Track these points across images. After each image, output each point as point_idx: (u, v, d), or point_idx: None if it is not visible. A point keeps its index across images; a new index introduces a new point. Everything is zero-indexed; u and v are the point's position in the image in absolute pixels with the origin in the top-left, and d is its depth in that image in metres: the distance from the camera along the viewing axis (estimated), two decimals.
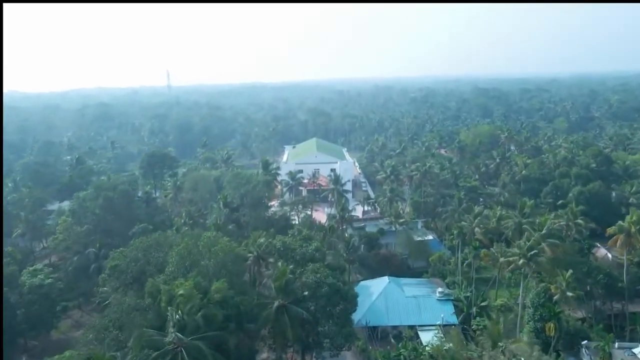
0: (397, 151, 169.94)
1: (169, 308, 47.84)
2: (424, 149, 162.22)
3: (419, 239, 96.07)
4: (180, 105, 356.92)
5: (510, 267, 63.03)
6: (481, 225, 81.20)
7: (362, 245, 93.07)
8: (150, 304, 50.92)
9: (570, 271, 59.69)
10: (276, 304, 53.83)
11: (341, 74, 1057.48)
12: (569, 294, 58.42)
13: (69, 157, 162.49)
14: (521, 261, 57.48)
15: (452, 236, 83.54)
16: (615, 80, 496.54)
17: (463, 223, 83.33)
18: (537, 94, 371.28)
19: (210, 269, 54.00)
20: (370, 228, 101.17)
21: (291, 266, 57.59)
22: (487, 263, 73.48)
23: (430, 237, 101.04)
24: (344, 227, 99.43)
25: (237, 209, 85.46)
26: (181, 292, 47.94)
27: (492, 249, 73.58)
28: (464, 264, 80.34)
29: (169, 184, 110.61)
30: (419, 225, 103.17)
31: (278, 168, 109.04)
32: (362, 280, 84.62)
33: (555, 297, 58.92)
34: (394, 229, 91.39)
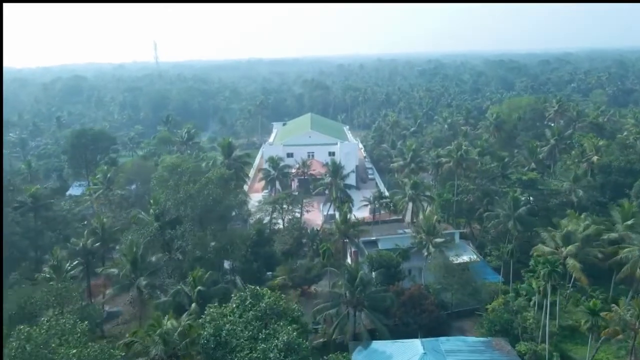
0: (412, 129, 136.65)
1: None
2: (446, 126, 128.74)
3: (459, 260, 63.45)
4: (163, 78, 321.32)
5: None
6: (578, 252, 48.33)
7: (374, 273, 60.79)
8: None
9: None
10: None
11: (341, 50, 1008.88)
12: None
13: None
14: None
15: (531, 274, 50.46)
16: (635, 54, 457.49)
17: (544, 247, 50.48)
18: (559, 65, 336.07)
19: None
20: (386, 243, 68.62)
21: None
22: (614, 337, 40.81)
23: (473, 256, 68.57)
24: (346, 241, 66.91)
25: (175, 224, 52.57)
26: None
27: (616, 308, 40.86)
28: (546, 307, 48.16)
29: (98, 176, 77.68)
30: (456, 237, 70.37)
31: (246, 155, 75.73)
32: (373, 336, 52.53)
33: None
34: (426, 253, 58.44)
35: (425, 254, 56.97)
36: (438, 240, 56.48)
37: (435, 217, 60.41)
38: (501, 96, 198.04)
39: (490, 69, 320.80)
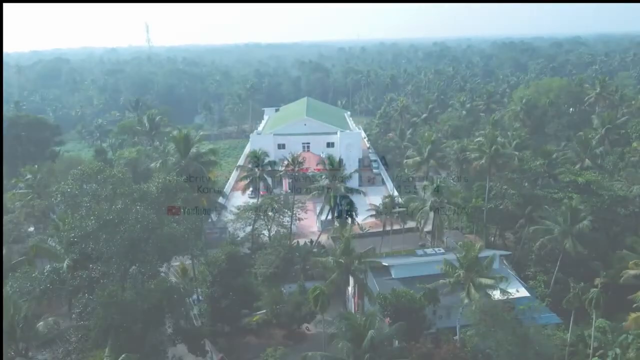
0: (423, 116, 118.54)
1: None
2: (464, 112, 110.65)
3: (506, 297, 45.69)
4: (151, 61, 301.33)
5: None
6: None
7: (388, 317, 43.29)
8: None
9: None
10: None
11: (342, 35, 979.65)
12: None
13: None
14: None
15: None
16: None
17: None
18: (572, 48, 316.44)
19: None
20: (402, 271, 51.08)
21: None
22: None
23: (520, 287, 51.18)
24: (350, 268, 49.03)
25: (93, 258, 34.76)
26: None
27: None
28: None
29: (28, 177, 59.86)
30: (496, 262, 52.53)
31: (211, 152, 57.42)
32: None
33: None
34: (466, 300, 40.37)
35: (466, 300, 39.05)
36: (485, 281, 38.52)
37: (479, 245, 42.51)
38: (517, 79, 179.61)
39: (500, 51, 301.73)
